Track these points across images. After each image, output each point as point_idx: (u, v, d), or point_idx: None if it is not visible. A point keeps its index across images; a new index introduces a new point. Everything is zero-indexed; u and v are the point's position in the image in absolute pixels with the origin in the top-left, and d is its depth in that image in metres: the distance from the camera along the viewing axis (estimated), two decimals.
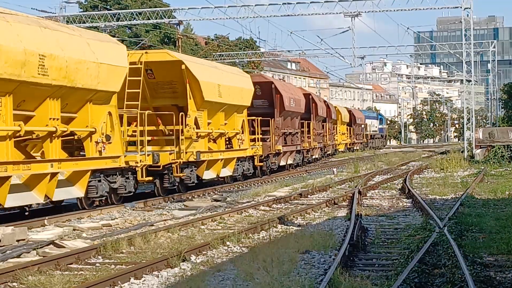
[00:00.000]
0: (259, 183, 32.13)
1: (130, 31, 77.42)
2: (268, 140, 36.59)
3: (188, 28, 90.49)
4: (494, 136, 45.96)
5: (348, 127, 72.39)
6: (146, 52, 26.59)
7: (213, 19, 48.12)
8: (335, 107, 66.67)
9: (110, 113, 21.97)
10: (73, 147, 22.11)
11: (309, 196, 25.73)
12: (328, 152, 58.80)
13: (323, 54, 66.10)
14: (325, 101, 58.46)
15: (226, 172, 30.55)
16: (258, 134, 34.70)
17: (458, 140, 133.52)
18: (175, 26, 59.13)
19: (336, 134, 63.78)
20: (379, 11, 49.28)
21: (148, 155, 23.64)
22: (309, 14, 50.23)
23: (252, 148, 33.59)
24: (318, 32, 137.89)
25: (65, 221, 19.21)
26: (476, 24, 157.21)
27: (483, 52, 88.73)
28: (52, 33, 19.41)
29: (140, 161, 23.05)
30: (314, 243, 14.25)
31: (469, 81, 60.89)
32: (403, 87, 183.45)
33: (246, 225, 17.81)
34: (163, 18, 51.73)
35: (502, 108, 75.84)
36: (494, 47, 75.41)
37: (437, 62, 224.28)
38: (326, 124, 55.53)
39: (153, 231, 16.09)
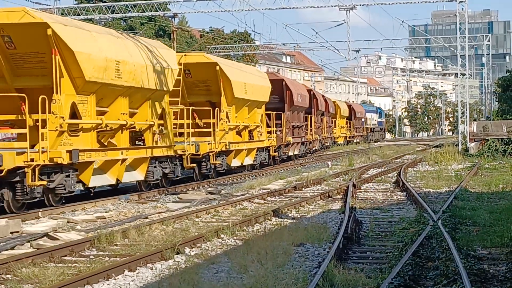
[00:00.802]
0: (254, 176, 32.17)
1: (124, 23, 77.33)
2: (280, 132, 40.73)
3: (183, 21, 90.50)
4: (488, 129, 46.03)
5: (348, 121, 75.95)
6: (185, 55, 30.33)
7: (208, 11, 47.97)
8: (334, 102, 69.11)
9: (163, 109, 25.78)
10: (132, 138, 24.84)
11: (303, 189, 25.74)
12: (326, 144, 61.49)
13: (318, 47, 65.96)
14: (323, 96, 61.49)
15: (248, 160, 34.81)
16: (273, 126, 39.03)
17: (452, 133, 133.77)
18: (170, 18, 59.02)
19: (335, 127, 67.62)
20: (374, 4, 49.19)
21: (192, 145, 27.23)
22: (304, 7, 50.08)
23: (268, 140, 37.71)
24: (313, 25, 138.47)
25: (59, 214, 19.18)
26: (471, 17, 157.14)
27: (478, 46, 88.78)
28: (123, 42, 23.41)
29: (186, 150, 26.74)
30: (308, 236, 14.27)
31: (464, 74, 60.89)
32: (397, 81, 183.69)
33: (241, 218, 17.81)
34: (158, 11, 51.58)
35: (496, 101, 75.86)
36: (489, 40, 75.48)
37: (432, 55, 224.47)
38: (324, 118, 58.90)
39: (148, 224, 16.09)
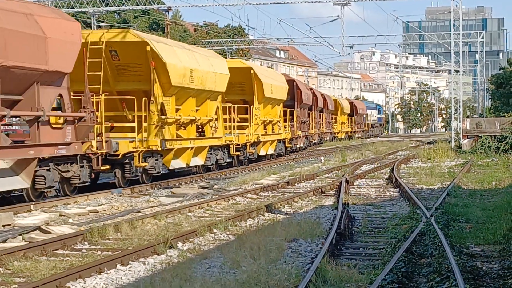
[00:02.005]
0: (247, 171, 32.16)
1: (118, 16, 77.18)
2: (292, 127, 46.55)
3: (177, 15, 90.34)
4: (482, 126, 46.07)
5: (350, 117, 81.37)
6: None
7: (202, 5, 47.97)
8: (335, 99, 74.67)
9: (217, 107, 31.19)
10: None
11: (296, 184, 25.74)
12: (326, 138, 66.99)
13: (311, 42, 65.91)
14: (322, 94, 65.26)
15: (271, 150, 40.66)
16: (288, 121, 44.74)
17: (445, 130, 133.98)
18: (164, 12, 58.89)
19: (336, 123, 73.33)
20: (369, 0, 49.20)
21: (236, 136, 33.19)
22: (298, 2, 50.11)
23: (285, 133, 43.39)
24: (307, 21, 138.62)
25: (52, 207, 19.14)
26: (465, 14, 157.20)
27: (471, 43, 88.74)
28: (193, 53, 29.00)
29: (233, 141, 32.69)
30: (301, 232, 14.26)
31: (457, 71, 60.96)
32: (391, 77, 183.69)
33: (233, 213, 17.79)
34: (152, 4, 51.52)
35: (489, 98, 76.04)
36: (482, 37, 75.49)
37: (426, 52, 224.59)
38: (323, 114, 64.00)
39: (140, 218, 16.06)
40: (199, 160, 29.47)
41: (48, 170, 19.74)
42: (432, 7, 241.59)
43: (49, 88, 19.78)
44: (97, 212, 18.38)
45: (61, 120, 20.46)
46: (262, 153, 38.61)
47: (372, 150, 49.29)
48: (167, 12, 56.79)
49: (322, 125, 63.47)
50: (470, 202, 19.92)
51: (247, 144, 35.11)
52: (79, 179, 20.98)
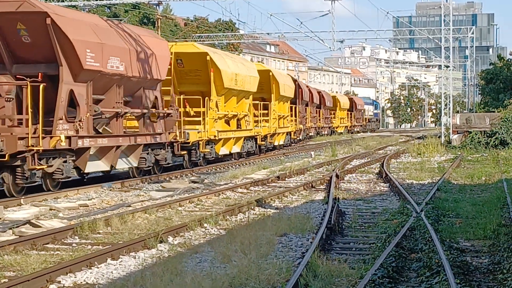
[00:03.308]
0: (240, 164, 32.19)
1: (109, 10, 76.94)
2: (295, 121, 52.72)
3: (167, 9, 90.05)
4: (471, 122, 46.15)
5: (349, 112, 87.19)
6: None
7: (193, 0, 47.83)
8: (334, 96, 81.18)
9: (249, 104, 37.75)
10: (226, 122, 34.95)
11: (286, 179, 25.75)
12: (324, 132, 72.18)
13: (302, 37, 65.72)
14: (319, 92, 70.99)
15: (282, 141, 47.56)
16: (294, 116, 52.00)
17: (435, 125, 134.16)
18: (155, 6, 58.75)
19: (334, 118, 78.82)
20: None
21: (262, 127, 40.69)
22: None
23: (291, 126, 50.23)
24: (298, 15, 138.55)
25: (42, 201, 19.10)
26: (455, 9, 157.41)
27: (461, 38, 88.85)
28: (235, 60, 36.18)
29: (260, 132, 39.69)
30: (291, 226, 14.27)
31: (447, 66, 61.06)
32: (381, 72, 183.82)
33: (224, 207, 17.79)
34: None
35: (479, 94, 76.05)
36: (473, 33, 75.62)
37: (416, 47, 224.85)
38: (320, 110, 69.19)
39: (130, 212, 16.04)
40: (237, 148, 35.74)
41: (148, 153, 25.46)
42: (423, 2, 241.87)
43: (150, 92, 25.74)
44: (87, 206, 18.35)
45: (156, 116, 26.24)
46: (276, 143, 45.40)
47: (362, 145, 49.33)
48: (157, 6, 56.53)
49: (319, 120, 68.56)
50: (460, 197, 19.96)
51: (267, 135, 42.25)
52: (166, 161, 26.81)
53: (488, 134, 44.79)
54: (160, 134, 26.12)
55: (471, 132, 45.42)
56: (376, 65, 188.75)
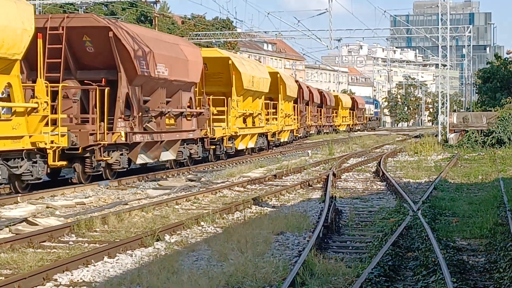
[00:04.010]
0: (235, 162, 32.20)
1: (106, 8, 76.90)
2: (296, 120, 55.42)
3: (165, 7, 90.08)
4: (468, 120, 46.19)
5: (351, 111, 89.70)
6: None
7: None
8: (336, 95, 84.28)
9: (262, 103, 41.12)
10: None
11: (283, 177, 25.76)
12: (325, 131, 74.56)
13: (299, 35, 65.78)
14: (321, 92, 74.11)
15: (286, 138, 50.70)
16: (296, 115, 54.93)
17: (432, 124, 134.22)
18: (152, 4, 58.75)
19: (336, 117, 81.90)
20: None
21: (272, 125, 43.79)
22: None
23: (294, 124, 53.35)
24: (295, 14, 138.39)
25: (38, 199, 19.09)
26: (452, 8, 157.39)
27: (459, 37, 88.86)
28: (251, 64, 40.08)
29: (271, 129, 43.16)
30: (288, 225, 14.27)
31: (444, 65, 61.09)
32: (378, 70, 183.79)
33: (221, 206, 17.79)
34: None
35: (476, 93, 76.03)
36: (470, 32, 75.59)
37: (413, 46, 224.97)
38: (321, 109, 72.30)
39: (127, 210, 16.04)
40: (251, 144, 39.01)
41: (184, 148, 28.94)
42: (420, 1, 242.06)
43: (186, 93, 29.01)
44: (84, 204, 18.35)
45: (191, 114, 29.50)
46: (282, 140, 48.69)
47: (359, 143, 49.37)
48: (155, 4, 56.66)
49: (320, 118, 71.86)
50: (457, 196, 19.98)
51: (276, 132, 45.12)
52: (197, 154, 30.45)
53: (485, 133, 44.82)
54: (193, 130, 29.67)
55: (468, 131, 45.45)
56: (373, 63, 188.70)
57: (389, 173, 26.00)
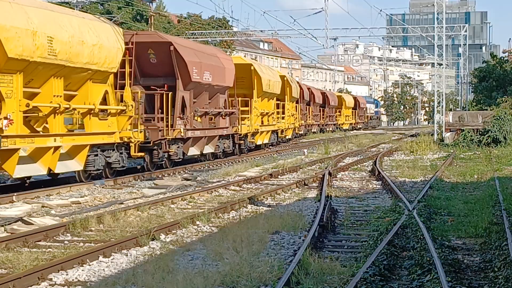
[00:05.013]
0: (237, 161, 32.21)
1: (102, 7, 76.76)
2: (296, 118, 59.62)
3: (161, 6, 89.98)
4: (464, 119, 46.25)
5: (353, 110, 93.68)
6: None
7: None
8: (340, 95, 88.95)
9: (274, 104, 45.53)
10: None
11: (279, 176, 25.76)
12: (328, 129, 77.68)
13: (295, 34, 65.86)
14: (323, 93, 78.34)
15: (289, 135, 54.13)
16: (297, 114, 58.40)
17: (428, 123, 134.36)
18: (148, 3, 58.68)
19: (340, 116, 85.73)
20: None
21: (282, 123, 48.34)
22: None
23: (296, 122, 57.19)
24: (291, 13, 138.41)
25: (34, 198, 19.07)
26: (448, 7, 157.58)
27: (455, 36, 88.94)
28: (266, 68, 45.42)
29: (281, 127, 48.32)
30: (284, 224, 14.28)
31: (440, 64, 61.12)
32: (374, 69, 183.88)
33: (216, 205, 17.79)
34: None
35: (472, 92, 76.13)
36: (466, 31, 75.60)
37: (409, 45, 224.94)
38: (324, 109, 76.14)
39: (123, 209, 16.04)
40: (266, 140, 43.85)
41: (219, 142, 33.51)
42: (416, 0, 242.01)
43: (222, 96, 33.83)
44: (80, 203, 18.33)
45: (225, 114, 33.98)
46: (288, 136, 52.89)
47: (355, 142, 49.37)
48: (150, 3, 56.56)
49: (323, 117, 75.73)
50: (452, 195, 20.00)
51: (284, 129, 49.68)
52: (229, 148, 35.14)
53: (480, 132, 44.89)
54: (227, 127, 34.49)
55: (463, 130, 45.51)
56: (369, 62, 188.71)
57: (384, 172, 26.02)
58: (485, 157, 35.43)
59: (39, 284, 9.89)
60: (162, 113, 27.13)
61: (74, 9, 50.99)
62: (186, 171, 28.06)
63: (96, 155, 22.77)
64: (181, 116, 28.47)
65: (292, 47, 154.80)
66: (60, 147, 20.78)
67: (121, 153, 24.34)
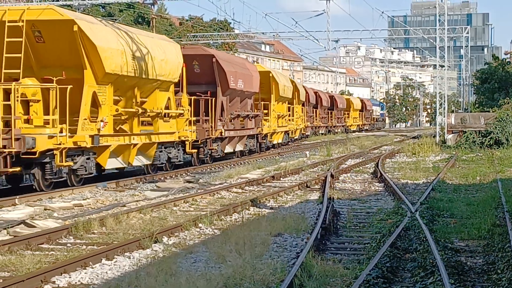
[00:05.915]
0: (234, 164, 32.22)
1: (103, 10, 76.81)
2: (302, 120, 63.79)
3: (162, 8, 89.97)
4: (466, 121, 46.20)
5: (360, 113, 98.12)
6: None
7: None
8: (348, 98, 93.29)
9: (286, 107, 50.22)
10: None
11: (281, 178, 25.75)
12: (337, 130, 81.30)
13: (297, 36, 65.66)
14: (331, 96, 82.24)
15: (297, 135, 57.31)
16: (304, 116, 62.17)
17: (430, 125, 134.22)
18: (149, 6, 58.72)
19: (348, 118, 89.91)
20: None
21: (292, 124, 53.24)
22: None
23: (302, 124, 60.85)
24: (293, 15, 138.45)
25: (36, 201, 19.08)
26: (450, 9, 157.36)
27: (456, 38, 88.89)
28: (280, 76, 49.07)
29: (291, 128, 52.80)
30: (286, 226, 14.27)
31: (442, 66, 61.15)
32: (376, 71, 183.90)
33: (219, 207, 17.77)
34: None
35: (474, 93, 76.12)
36: (468, 33, 75.56)
37: (411, 46, 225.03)
38: (332, 111, 79.96)
39: (125, 212, 16.03)
40: (280, 140, 48.61)
41: (247, 141, 38.26)
42: (418, 2, 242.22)
43: (249, 100, 38.61)
44: (82, 206, 18.33)
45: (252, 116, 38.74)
46: (296, 136, 56.63)
47: (357, 144, 49.30)
48: (152, 6, 56.65)
49: (331, 119, 79.81)
50: (455, 197, 19.97)
51: (293, 130, 54.03)
52: (254, 146, 40.07)
53: (482, 134, 44.83)
54: (253, 128, 39.15)
55: (466, 132, 45.46)
56: (371, 64, 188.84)
57: (387, 174, 26.01)
58: (487, 159, 35.39)
59: (42, 287, 9.89)
60: (206, 116, 31.47)
61: (75, 11, 50.97)
62: (188, 173, 28.06)
63: (161, 151, 27.22)
64: (221, 118, 33.13)
65: (294, 49, 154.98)
66: (137, 145, 25.13)
67: (178, 150, 28.89)
